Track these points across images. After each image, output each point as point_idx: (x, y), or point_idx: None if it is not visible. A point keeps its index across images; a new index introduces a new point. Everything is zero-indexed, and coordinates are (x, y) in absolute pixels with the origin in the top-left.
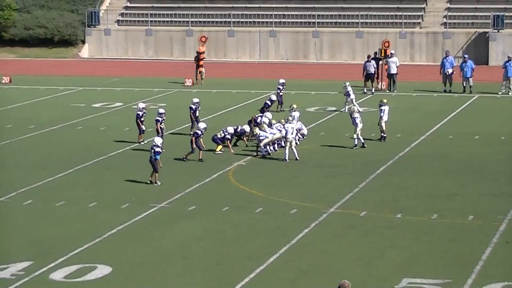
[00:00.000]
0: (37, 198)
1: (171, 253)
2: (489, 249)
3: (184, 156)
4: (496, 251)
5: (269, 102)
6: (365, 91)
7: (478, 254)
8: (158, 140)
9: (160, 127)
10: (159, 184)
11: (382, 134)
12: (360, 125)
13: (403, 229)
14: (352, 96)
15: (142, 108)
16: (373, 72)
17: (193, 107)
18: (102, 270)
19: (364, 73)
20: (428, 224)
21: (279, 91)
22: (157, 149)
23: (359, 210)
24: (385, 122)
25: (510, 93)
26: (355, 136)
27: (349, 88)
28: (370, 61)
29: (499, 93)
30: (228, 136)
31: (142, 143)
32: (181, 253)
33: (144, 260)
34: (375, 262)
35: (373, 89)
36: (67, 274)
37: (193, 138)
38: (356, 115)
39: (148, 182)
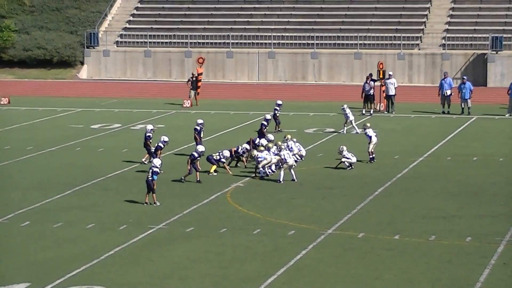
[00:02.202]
0: (34, 220)
1: (169, 275)
2: (487, 271)
3: (183, 178)
4: (493, 273)
5: (265, 123)
6: (363, 112)
7: (475, 276)
8: (157, 161)
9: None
10: (158, 204)
11: (370, 156)
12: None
13: (401, 250)
14: (351, 117)
15: (151, 130)
16: (371, 94)
17: (198, 128)
18: None
19: (363, 94)
20: (426, 246)
21: (276, 112)
22: (155, 169)
23: (356, 231)
24: (374, 144)
25: None
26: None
27: (348, 110)
28: (369, 82)
29: (506, 115)
30: (223, 160)
31: (147, 162)
32: (178, 275)
33: (142, 281)
34: (373, 284)
35: (372, 110)
36: None
37: (189, 160)
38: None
39: (144, 204)
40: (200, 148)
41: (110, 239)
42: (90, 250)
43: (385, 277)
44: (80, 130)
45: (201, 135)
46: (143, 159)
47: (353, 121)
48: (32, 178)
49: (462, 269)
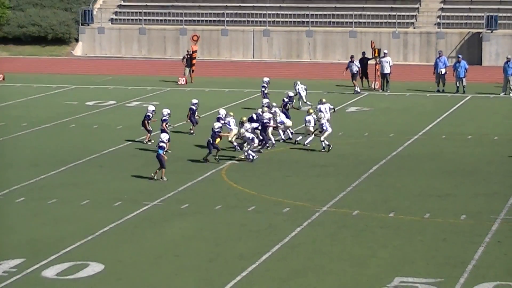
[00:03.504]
0: (29, 196)
1: (163, 252)
2: (481, 249)
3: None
4: (488, 251)
5: (286, 99)
6: (357, 89)
7: (470, 253)
8: (164, 136)
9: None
10: (165, 180)
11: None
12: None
13: (396, 228)
14: (303, 93)
15: (152, 111)
16: (355, 72)
17: (194, 108)
18: (94, 268)
19: (351, 73)
20: (421, 224)
21: (264, 89)
22: (161, 144)
23: (351, 209)
24: (328, 120)
25: (511, 94)
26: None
27: (300, 86)
28: (353, 62)
29: (501, 94)
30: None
31: (149, 143)
32: (173, 252)
33: (136, 258)
34: (367, 262)
35: (357, 87)
36: (59, 272)
37: (211, 139)
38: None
39: (151, 176)
40: (165, 136)
41: (104, 216)
42: (85, 227)
43: (380, 255)
44: (74, 107)
45: (196, 115)
46: (146, 140)
47: (304, 97)
48: (26, 155)
49: (457, 247)
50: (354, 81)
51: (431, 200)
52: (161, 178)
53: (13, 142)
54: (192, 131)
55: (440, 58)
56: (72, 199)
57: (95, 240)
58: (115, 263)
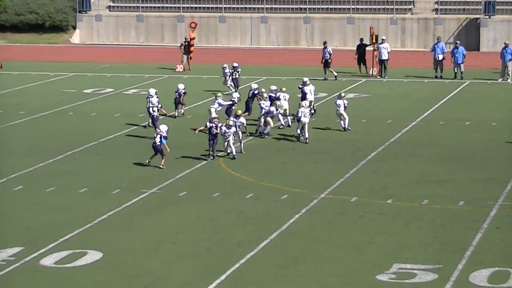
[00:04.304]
0: (27, 184)
1: (161, 239)
2: (479, 235)
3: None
4: (486, 237)
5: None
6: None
7: (468, 239)
8: (163, 128)
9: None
10: (164, 167)
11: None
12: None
13: (393, 215)
14: (228, 78)
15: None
16: (327, 59)
17: (181, 93)
18: (93, 256)
19: (323, 60)
20: (419, 210)
21: (234, 75)
22: (164, 134)
23: (349, 196)
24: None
25: (509, 80)
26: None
27: (227, 70)
28: (326, 48)
29: (499, 80)
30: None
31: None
32: (171, 239)
33: (135, 246)
34: (366, 248)
35: (326, 75)
36: (58, 260)
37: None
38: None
39: (146, 162)
40: (164, 128)
41: (102, 204)
42: (83, 215)
43: (378, 241)
44: (72, 95)
45: (182, 98)
46: (181, 112)
47: (228, 82)
48: (24, 143)
49: (455, 233)
50: (329, 69)
51: (429, 187)
52: (161, 166)
53: (11, 131)
54: (182, 112)
55: (438, 44)
56: (70, 187)
57: (93, 228)
58: (113, 251)
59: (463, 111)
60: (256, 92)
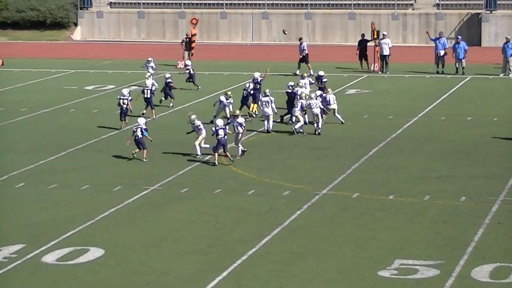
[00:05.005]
0: (29, 182)
1: (163, 236)
2: (481, 231)
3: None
4: (488, 233)
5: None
6: (297, 72)
7: (470, 235)
8: (141, 120)
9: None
10: (146, 160)
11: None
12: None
13: (395, 210)
14: (152, 71)
15: (152, 84)
16: (304, 55)
17: (168, 81)
18: (95, 253)
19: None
20: (420, 206)
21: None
22: (144, 127)
23: (351, 192)
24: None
25: (510, 75)
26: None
27: (152, 64)
28: (302, 43)
29: (500, 75)
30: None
31: (156, 117)
32: (173, 236)
33: (136, 243)
34: (367, 244)
35: (298, 70)
36: (60, 257)
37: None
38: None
39: (133, 154)
40: (142, 120)
41: (104, 201)
42: (85, 211)
43: (380, 237)
44: (74, 92)
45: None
46: (153, 117)
47: (152, 76)
48: (26, 140)
49: (457, 229)
50: (306, 64)
51: (430, 182)
52: (144, 159)
53: (12, 127)
54: (171, 105)
55: (439, 39)
56: (72, 184)
57: (95, 225)
58: (115, 247)
59: (465, 107)
60: (260, 80)
